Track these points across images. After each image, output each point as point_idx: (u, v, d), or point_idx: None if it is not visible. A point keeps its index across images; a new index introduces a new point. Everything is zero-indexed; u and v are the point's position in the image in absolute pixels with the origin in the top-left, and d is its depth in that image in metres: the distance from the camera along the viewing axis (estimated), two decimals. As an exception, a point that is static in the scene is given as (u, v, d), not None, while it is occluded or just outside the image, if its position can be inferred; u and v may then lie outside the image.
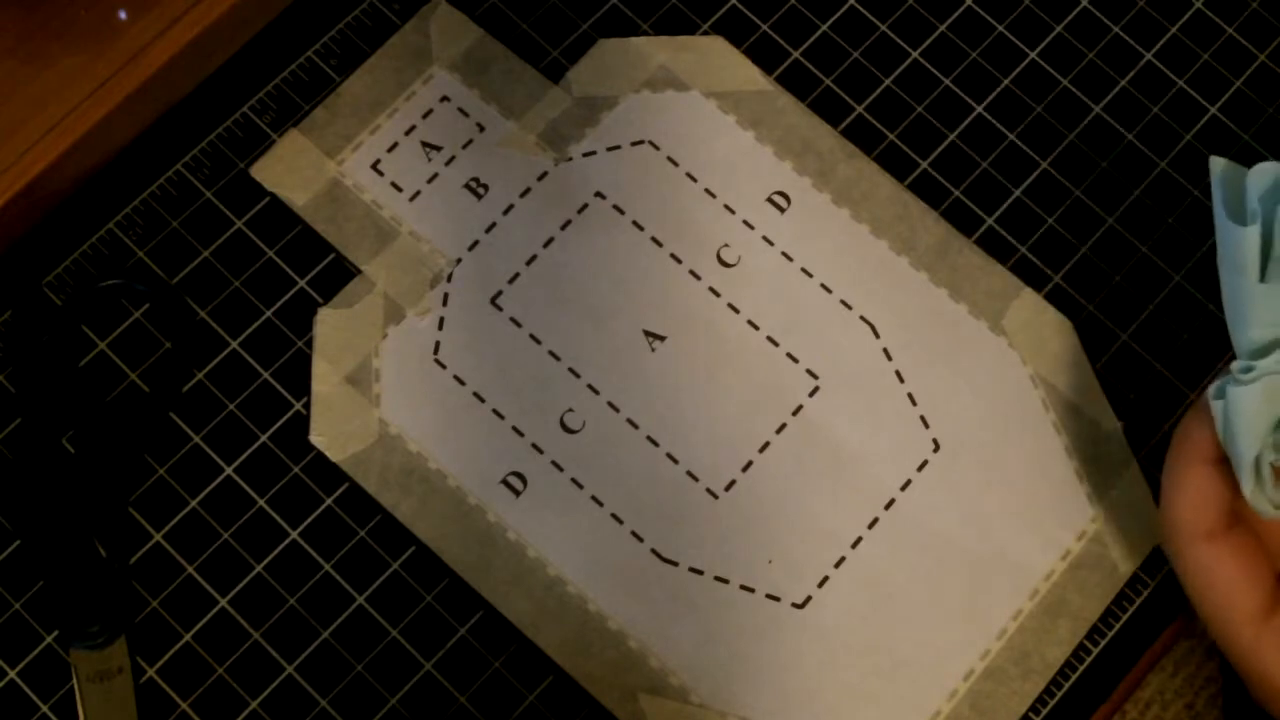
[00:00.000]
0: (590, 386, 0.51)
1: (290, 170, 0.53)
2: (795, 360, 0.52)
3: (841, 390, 0.52)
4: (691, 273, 0.53)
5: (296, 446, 0.50)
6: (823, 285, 0.53)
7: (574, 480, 0.50)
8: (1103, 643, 0.50)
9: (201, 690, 0.48)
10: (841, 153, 0.55)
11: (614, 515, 0.50)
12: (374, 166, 0.53)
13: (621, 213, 0.53)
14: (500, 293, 0.52)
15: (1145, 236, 0.55)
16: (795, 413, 0.51)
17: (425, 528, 0.50)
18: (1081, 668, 0.50)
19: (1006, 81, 0.56)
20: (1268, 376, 0.44)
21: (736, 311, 0.53)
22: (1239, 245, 0.45)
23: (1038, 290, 0.54)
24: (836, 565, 0.50)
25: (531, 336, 0.52)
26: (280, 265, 0.52)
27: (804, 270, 0.53)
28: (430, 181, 0.53)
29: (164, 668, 0.48)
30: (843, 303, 0.53)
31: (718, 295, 0.53)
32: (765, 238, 0.53)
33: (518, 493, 0.50)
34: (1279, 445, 0.44)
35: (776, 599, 0.50)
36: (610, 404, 0.51)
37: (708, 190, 0.54)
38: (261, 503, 0.50)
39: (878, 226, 0.54)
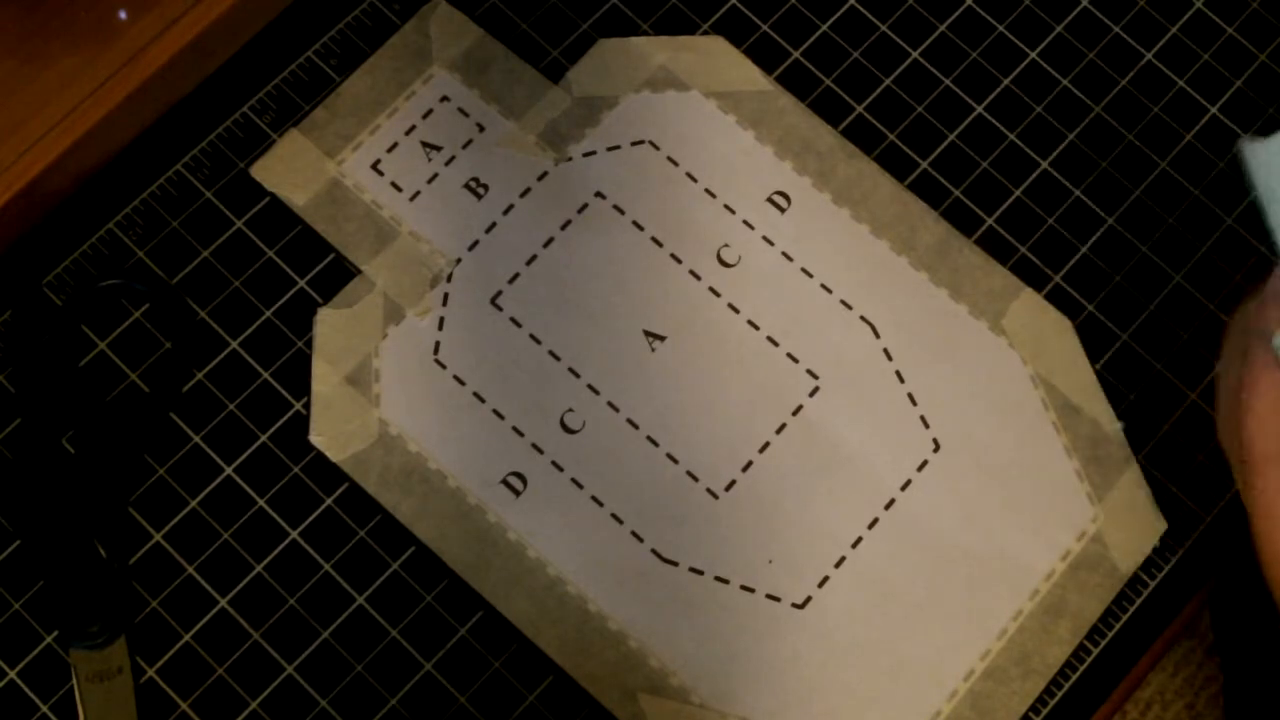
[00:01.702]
0: (590, 386, 0.51)
1: (290, 170, 0.53)
2: (795, 360, 0.52)
3: (841, 390, 0.52)
4: (691, 273, 0.53)
5: (296, 446, 0.50)
6: (823, 285, 0.53)
7: (574, 480, 0.50)
8: (1103, 643, 0.50)
9: (201, 690, 0.48)
10: (841, 153, 0.55)
11: (614, 515, 0.50)
12: (374, 166, 0.53)
13: (621, 213, 0.53)
14: (500, 293, 0.52)
15: (1145, 236, 0.55)
16: (795, 413, 0.51)
17: (425, 528, 0.50)
18: (1082, 668, 0.50)
19: (1006, 81, 0.56)
20: None
21: (736, 311, 0.53)
22: None
23: (1038, 290, 0.54)
24: (836, 565, 0.50)
25: (531, 336, 0.52)
26: (280, 265, 0.52)
27: (804, 270, 0.53)
28: (430, 181, 0.53)
29: (164, 668, 0.48)
30: (843, 303, 0.53)
31: (718, 295, 0.53)
32: (765, 238, 0.53)
33: (518, 493, 0.50)
34: None
35: (776, 599, 0.50)
36: (610, 404, 0.51)
37: (708, 190, 0.54)
38: (261, 503, 0.50)
39: (878, 226, 0.54)
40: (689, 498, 0.50)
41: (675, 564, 0.50)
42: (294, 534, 0.50)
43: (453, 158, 0.54)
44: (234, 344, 0.52)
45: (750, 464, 0.51)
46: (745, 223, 0.54)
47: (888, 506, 0.51)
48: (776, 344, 0.52)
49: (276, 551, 0.49)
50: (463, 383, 0.51)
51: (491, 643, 0.49)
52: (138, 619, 0.49)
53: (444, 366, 0.51)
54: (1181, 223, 0.55)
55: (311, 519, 0.50)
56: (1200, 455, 0.52)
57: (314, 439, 0.50)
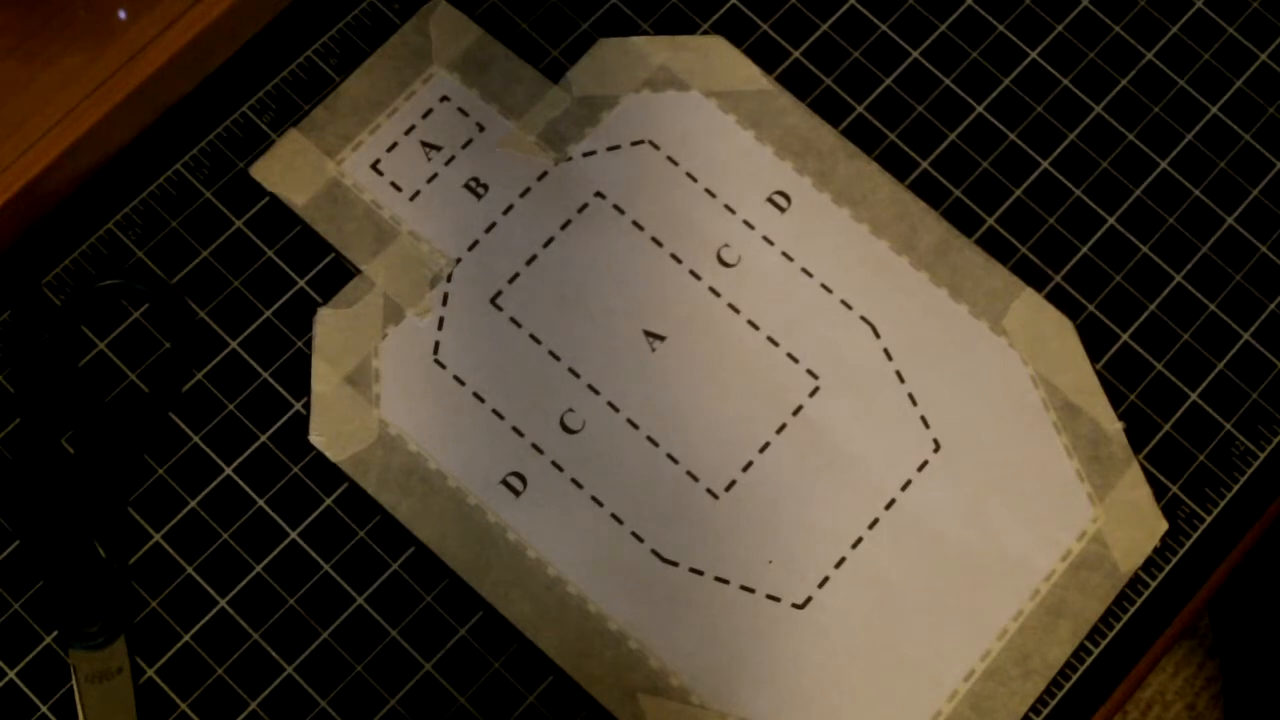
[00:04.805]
0: (590, 386, 0.51)
1: (290, 170, 0.53)
2: (795, 360, 0.52)
3: (841, 390, 0.52)
4: (691, 273, 0.53)
5: (296, 446, 0.50)
6: (823, 285, 0.53)
7: (574, 480, 0.50)
8: (1103, 643, 0.50)
9: (201, 690, 0.48)
10: (842, 153, 0.55)
11: (614, 515, 0.50)
12: (374, 166, 0.53)
13: (621, 213, 0.53)
14: (500, 293, 0.52)
15: (1145, 236, 0.55)
16: (795, 413, 0.51)
17: (425, 528, 0.50)
18: (1082, 668, 0.50)
19: (1006, 81, 0.56)
20: None
21: (736, 311, 0.52)
22: None
23: (1038, 290, 0.54)
24: (837, 565, 0.50)
25: (531, 336, 0.52)
26: (280, 265, 0.52)
27: (804, 270, 0.53)
28: (430, 181, 0.53)
29: (164, 668, 0.48)
30: (843, 303, 0.53)
31: (718, 295, 0.53)
32: (765, 238, 0.53)
33: (518, 493, 0.50)
34: None
35: (777, 599, 0.50)
36: (610, 404, 0.51)
37: (708, 190, 0.54)
38: (261, 503, 0.50)
39: (878, 226, 0.54)
40: (689, 498, 0.50)
41: (675, 564, 0.50)
42: (294, 534, 0.50)
43: (452, 158, 0.54)
44: (234, 344, 0.51)
45: (750, 464, 0.51)
46: (745, 223, 0.54)
47: (888, 506, 0.51)
48: (776, 344, 0.52)
49: (276, 551, 0.49)
50: (463, 383, 0.51)
51: (491, 643, 0.49)
52: (137, 619, 0.49)
53: (444, 366, 0.51)
54: (1182, 223, 0.55)
55: (311, 519, 0.50)
56: (1200, 455, 0.52)
57: (314, 439, 0.50)
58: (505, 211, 0.53)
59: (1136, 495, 0.51)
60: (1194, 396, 0.53)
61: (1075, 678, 0.50)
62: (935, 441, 0.51)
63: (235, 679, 0.48)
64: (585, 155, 0.54)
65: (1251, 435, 0.53)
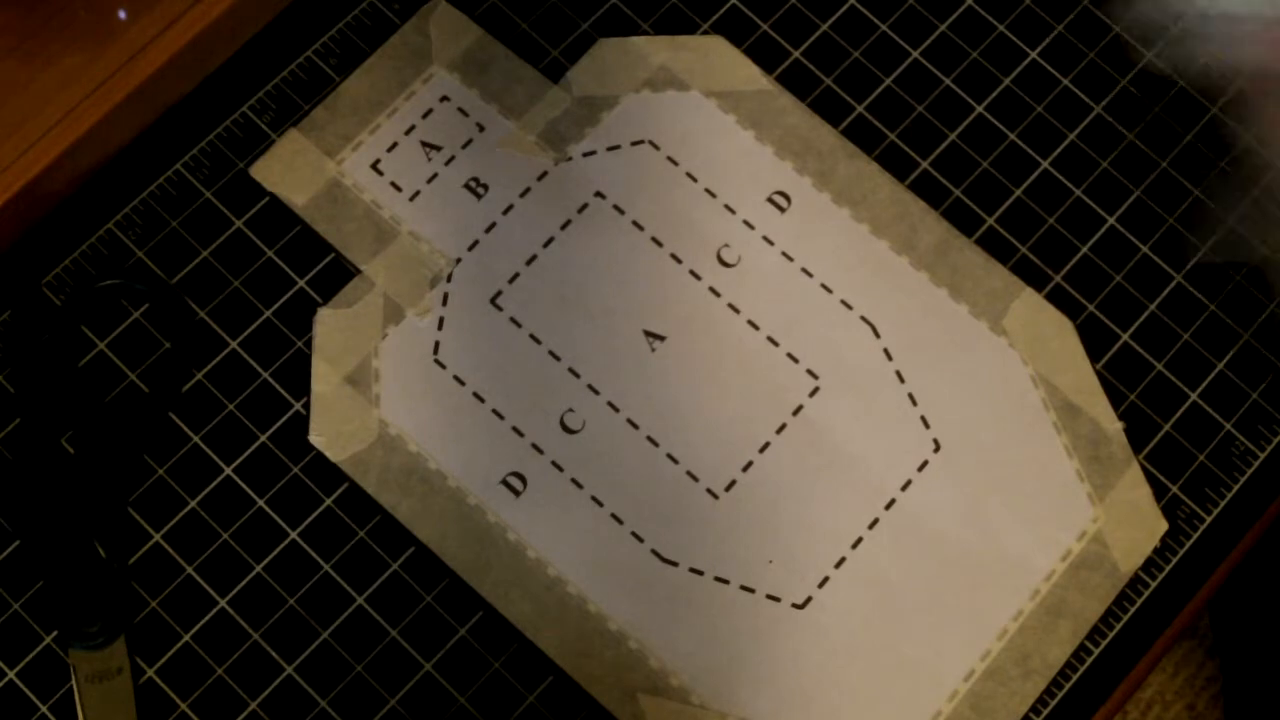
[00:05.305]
0: (590, 386, 0.51)
1: (290, 170, 0.53)
2: (795, 360, 0.52)
3: (841, 390, 0.52)
4: (691, 273, 0.53)
5: (296, 446, 0.50)
6: (823, 285, 0.53)
7: (574, 480, 0.50)
8: (1103, 643, 0.50)
9: (201, 690, 0.48)
10: (842, 152, 0.55)
11: (614, 515, 0.50)
12: (374, 166, 0.53)
13: (621, 213, 0.53)
14: (500, 293, 0.52)
15: (1145, 236, 0.55)
16: (795, 413, 0.51)
17: (425, 528, 0.50)
18: (1082, 668, 0.50)
19: (1007, 81, 0.56)
20: None
21: (736, 311, 0.52)
22: None
23: (1038, 290, 0.54)
24: (837, 565, 0.50)
25: (531, 336, 0.52)
26: (280, 265, 0.52)
27: (804, 270, 0.53)
28: (430, 181, 0.53)
29: (164, 668, 0.48)
30: (843, 303, 0.53)
31: (718, 295, 0.53)
32: (765, 238, 0.53)
33: (518, 493, 0.50)
34: None
35: (777, 599, 0.50)
36: (610, 404, 0.51)
37: (708, 190, 0.54)
38: (261, 503, 0.50)
39: (878, 226, 0.54)
40: (689, 498, 0.50)
41: (675, 564, 0.50)
42: (294, 534, 0.50)
43: (452, 158, 0.54)
44: (234, 344, 0.51)
45: (750, 464, 0.51)
46: (745, 223, 0.54)
47: (888, 506, 0.51)
48: (776, 344, 0.52)
49: (276, 551, 0.49)
50: (463, 383, 0.51)
51: (491, 643, 0.49)
52: (137, 619, 0.49)
53: (444, 366, 0.51)
54: (1182, 223, 0.55)
55: (311, 519, 0.50)
56: (1200, 455, 0.52)
57: (314, 439, 0.50)
58: (505, 211, 0.53)
59: (1136, 495, 0.51)
60: (1194, 396, 0.53)
61: (1075, 678, 0.50)
62: (935, 441, 0.51)
63: (235, 679, 0.48)
64: (585, 155, 0.54)
65: (1251, 435, 0.53)
